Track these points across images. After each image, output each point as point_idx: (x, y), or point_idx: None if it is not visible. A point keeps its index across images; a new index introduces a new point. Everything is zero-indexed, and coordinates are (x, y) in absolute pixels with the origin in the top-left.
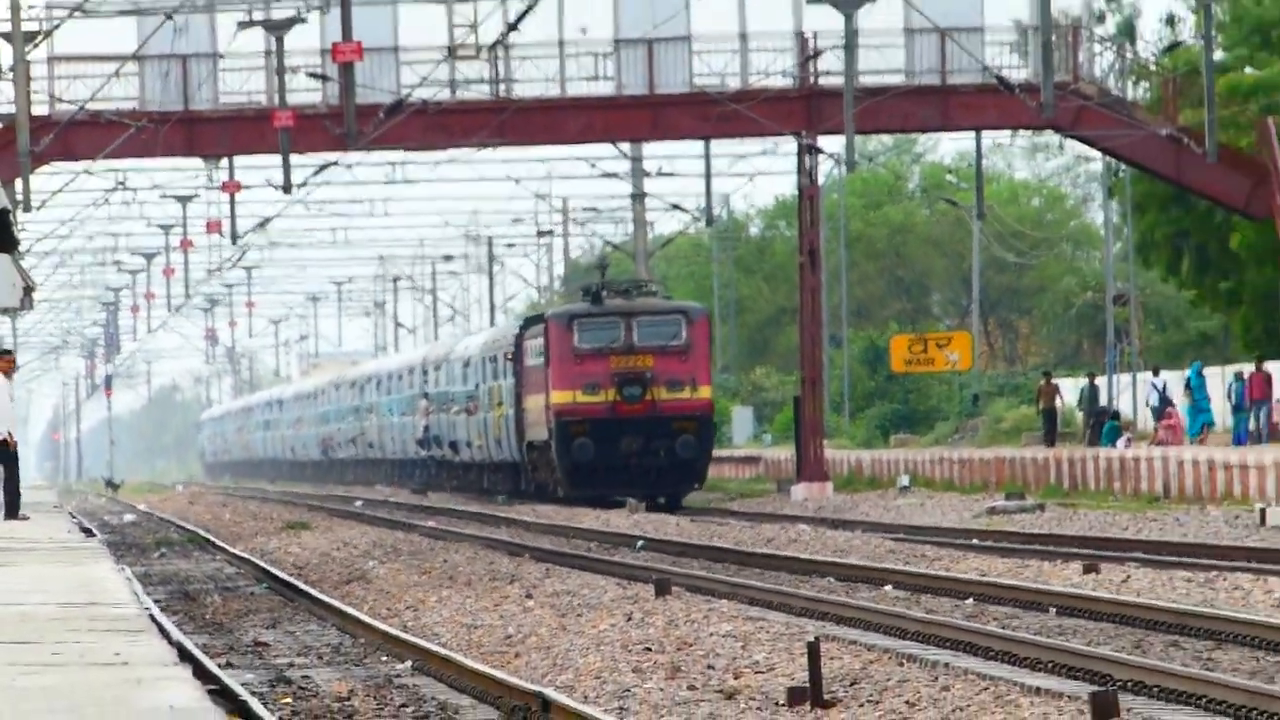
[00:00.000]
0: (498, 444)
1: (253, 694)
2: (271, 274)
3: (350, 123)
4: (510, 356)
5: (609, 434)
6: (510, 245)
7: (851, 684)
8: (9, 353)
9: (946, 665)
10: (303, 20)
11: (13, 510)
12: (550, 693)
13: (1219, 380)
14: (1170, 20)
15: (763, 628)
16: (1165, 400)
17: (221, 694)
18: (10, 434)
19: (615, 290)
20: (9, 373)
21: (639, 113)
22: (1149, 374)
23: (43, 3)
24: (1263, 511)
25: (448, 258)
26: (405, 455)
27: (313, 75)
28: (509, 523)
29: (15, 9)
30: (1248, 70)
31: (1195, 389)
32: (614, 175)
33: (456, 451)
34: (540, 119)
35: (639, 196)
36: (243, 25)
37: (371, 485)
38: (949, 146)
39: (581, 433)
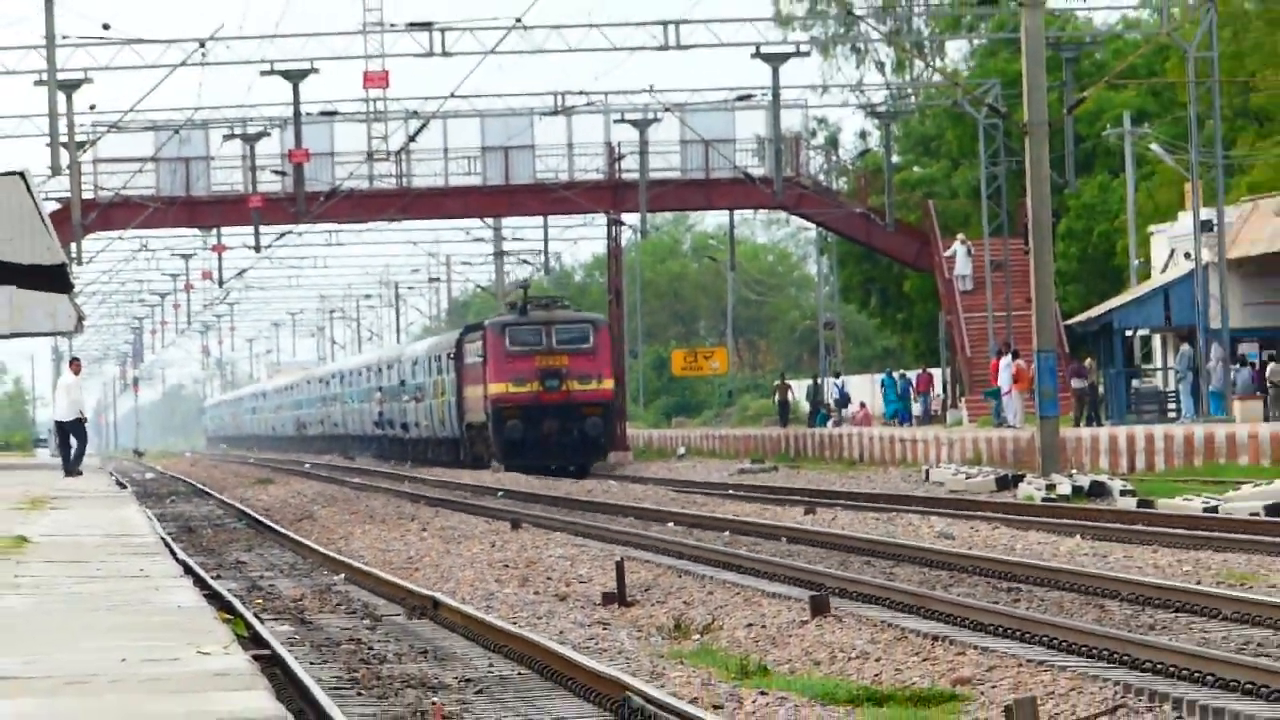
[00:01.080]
0: (441, 424)
1: (235, 596)
2: (246, 307)
3: (301, 204)
4: (452, 356)
5: (534, 417)
6: (410, 287)
7: (646, 590)
8: (77, 359)
9: (711, 578)
10: (268, 134)
11: (74, 468)
12: (439, 595)
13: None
14: (862, 134)
15: (585, 551)
16: (845, 395)
17: (212, 597)
18: (82, 412)
19: (538, 304)
20: (78, 372)
21: (499, 197)
22: (841, 377)
23: (90, 122)
24: (926, 471)
25: (367, 296)
26: (364, 433)
27: (276, 172)
28: (411, 479)
29: (70, 125)
30: (915, 169)
31: (887, 388)
32: (481, 239)
33: (406, 430)
34: (430, 202)
35: (499, 254)
36: (227, 137)
37: (336, 454)
38: (712, 220)
39: (513, 416)
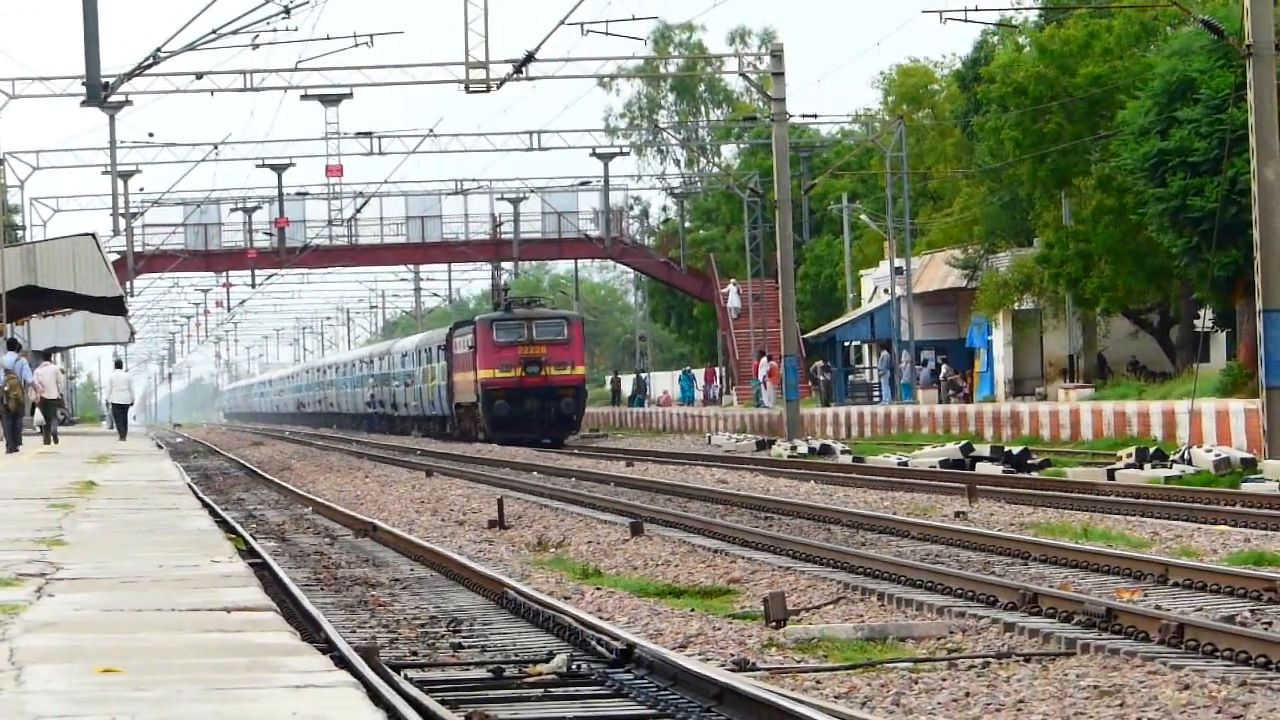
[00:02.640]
0: (430, 404)
1: (237, 522)
2: (245, 325)
3: (282, 255)
4: (443, 348)
5: (517, 397)
6: (357, 312)
7: (518, 518)
8: (121, 361)
9: (563, 510)
10: (260, 207)
11: (123, 435)
12: (377, 522)
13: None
14: (664, 208)
15: (476, 491)
16: (645, 386)
17: (222, 523)
18: (131, 398)
19: (520, 304)
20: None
21: (417, 251)
22: (649, 374)
23: (139, 199)
24: (709, 437)
25: (328, 317)
26: (356, 411)
27: (265, 233)
28: (359, 442)
29: (126, 202)
30: (701, 232)
31: (683, 381)
32: (405, 279)
33: (396, 409)
34: (371, 254)
35: (417, 289)
36: (232, 210)
37: (333, 427)
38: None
39: (499, 396)
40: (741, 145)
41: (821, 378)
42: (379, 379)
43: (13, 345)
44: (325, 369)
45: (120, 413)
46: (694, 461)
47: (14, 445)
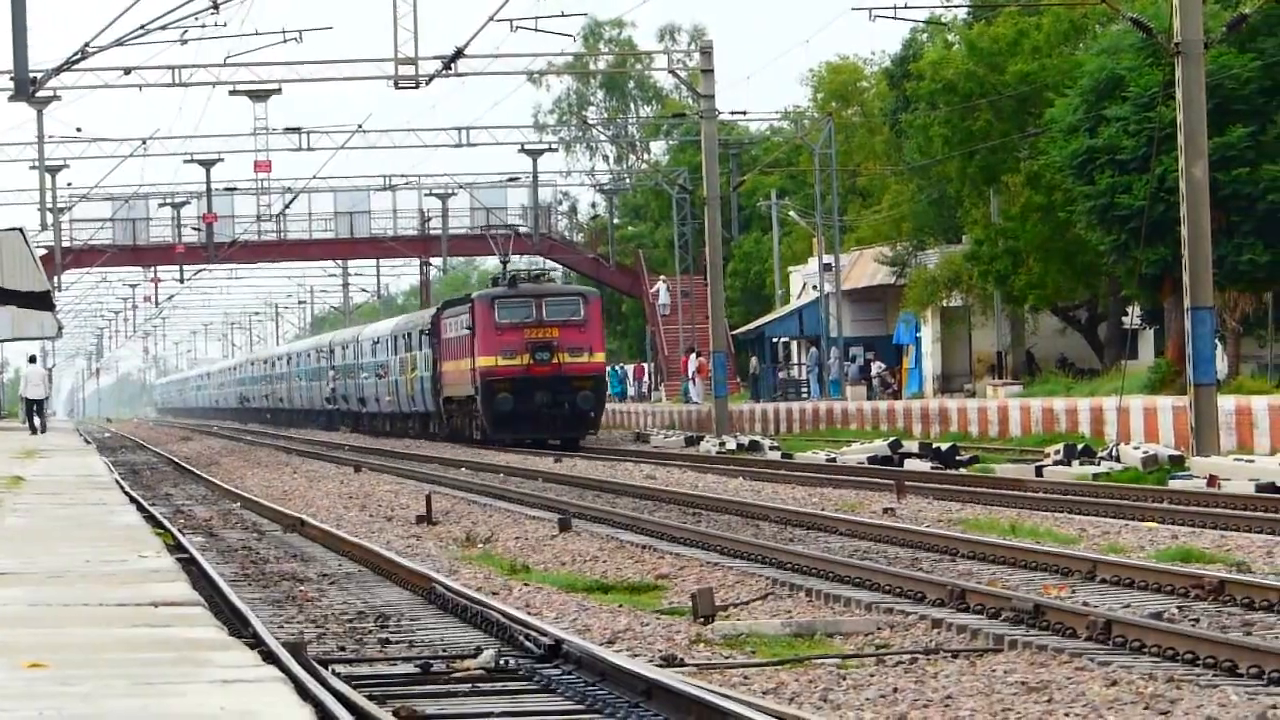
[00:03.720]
0: (411, 399)
1: (164, 518)
2: (174, 320)
3: (211, 250)
4: (426, 332)
5: (524, 390)
6: (287, 308)
7: (446, 514)
8: (35, 356)
9: (491, 505)
10: (189, 203)
11: (40, 430)
12: (305, 517)
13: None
14: (594, 204)
15: (404, 487)
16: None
17: (150, 518)
18: (46, 392)
19: (526, 278)
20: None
21: (345, 246)
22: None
23: (68, 194)
24: (638, 434)
25: (256, 313)
26: (313, 407)
27: (194, 229)
28: (286, 438)
29: (54, 197)
30: (630, 228)
31: (612, 377)
32: (334, 275)
33: (364, 405)
34: (299, 249)
35: (345, 285)
36: (161, 205)
37: (279, 425)
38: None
39: (502, 389)
40: (670, 142)
41: (758, 369)
42: (342, 370)
43: None
44: (274, 360)
45: (35, 407)
46: (623, 458)
47: None
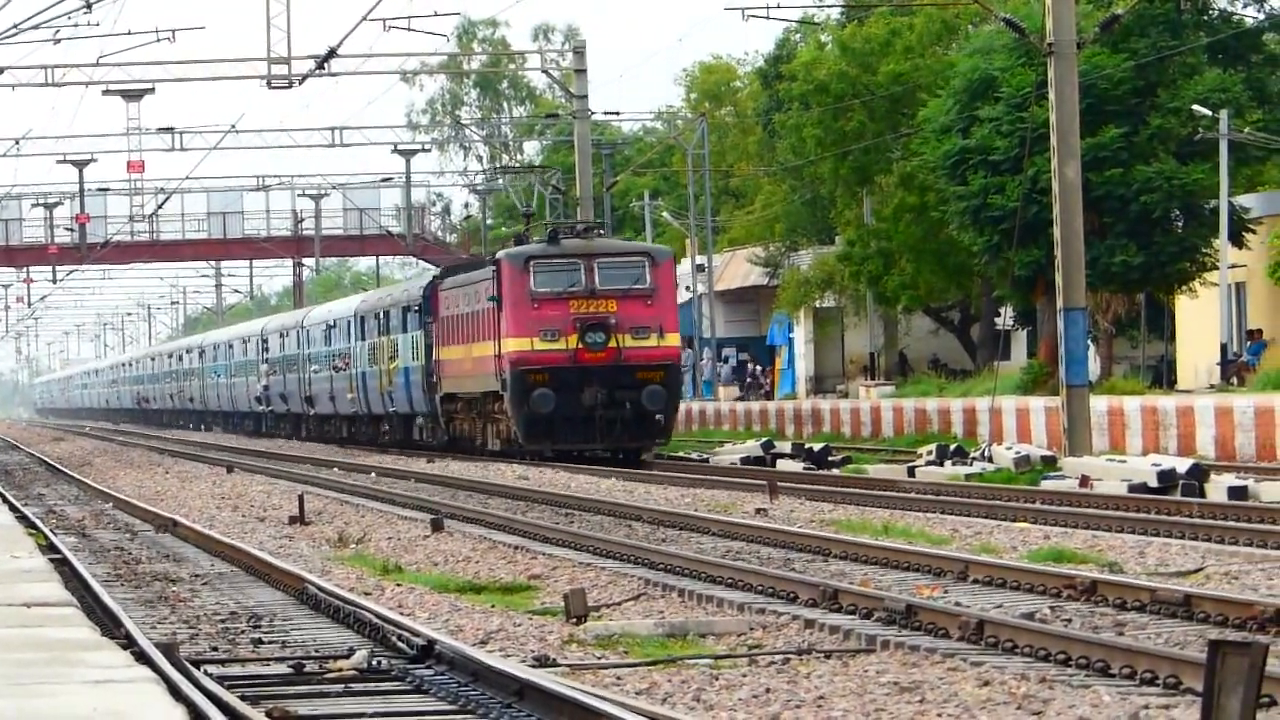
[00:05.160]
0: (385, 397)
1: (37, 518)
2: (46, 321)
3: (84, 251)
4: (417, 310)
5: (570, 384)
6: (160, 309)
7: (319, 514)
8: None
9: (363, 506)
10: (62, 203)
11: None
12: (178, 517)
13: None
14: (466, 205)
15: (276, 488)
16: None
17: (22, 518)
18: None
19: (571, 232)
20: None
21: (219, 246)
22: None
23: None
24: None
25: (129, 313)
26: (235, 409)
27: (67, 229)
28: (159, 438)
29: None
30: (504, 228)
31: None
32: (206, 275)
33: (312, 405)
34: (172, 250)
35: (218, 285)
36: (33, 205)
37: (189, 427)
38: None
39: (540, 383)
40: (544, 142)
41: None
42: (279, 363)
43: None
44: (182, 353)
45: None
46: (495, 458)
47: None
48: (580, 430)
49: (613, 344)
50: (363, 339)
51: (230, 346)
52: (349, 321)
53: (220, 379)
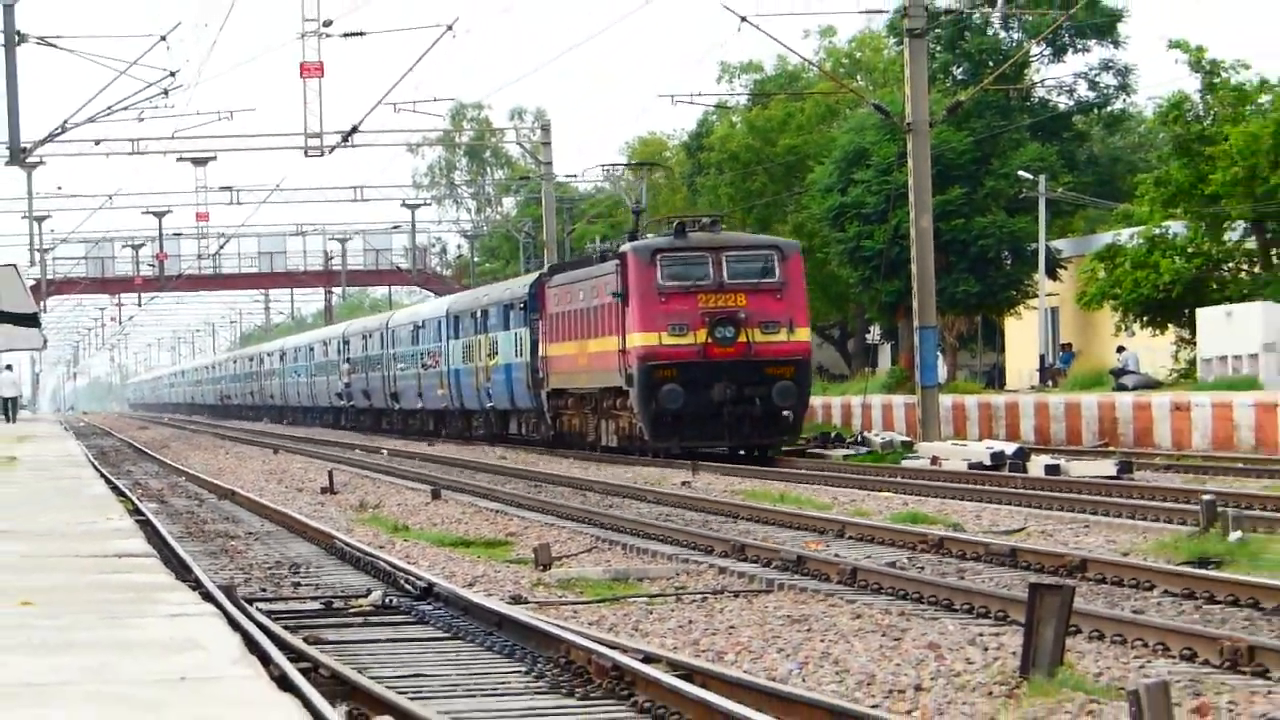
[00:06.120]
0: (484, 393)
1: (126, 489)
2: (134, 336)
3: (162, 281)
4: (524, 307)
5: (700, 379)
6: (221, 327)
7: (345, 485)
8: (10, 366)
9: (379, 479)
10: (144, 245)
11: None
12: (235, 488)
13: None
14: (459, 246)
15: (312, 465)
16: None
17: (115, 489)
18: (18, 392)
19: (696, 225)
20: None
21: (266, 279)
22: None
23: (50, 237)
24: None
25: (198, 330)
26: (315, 404)
27: (150, 265)
28: (225, 426)
29: (41, 240)
30: (488, 265)
31: None
32: (258, 300)
33: (398, 401)
34: (232, 281)
35: (267, 309)
36: (123, 246)
37: (258, 419)
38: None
39: (669, 378)
40: (518, 198)
41: None
42: (360, 363)
43: None
44: (263, 356)
45: (8, 404)
46: (478, 443)
47: None
48: (708, 427)
49: (742, 339)
50: (456, 337)
51: (311, 349)
52: (440, 321)
53: (300, 378)
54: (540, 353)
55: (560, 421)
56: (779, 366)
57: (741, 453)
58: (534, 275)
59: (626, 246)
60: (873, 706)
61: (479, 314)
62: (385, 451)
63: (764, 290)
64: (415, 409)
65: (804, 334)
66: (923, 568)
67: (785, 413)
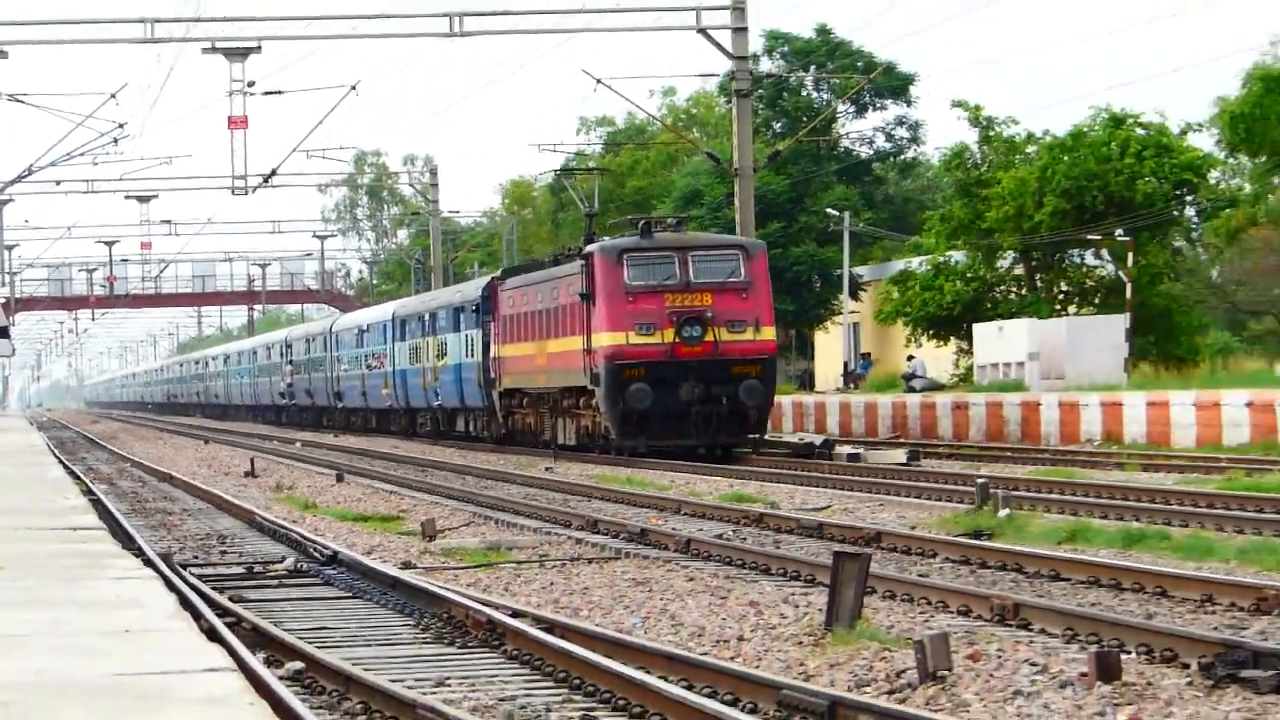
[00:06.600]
0: (431, 392)
1: (81, 472)
2: (87, 346)
3: (112, 300)
4: (475, 310)
5: (668, 378)
6: (161, 338)
7: (264, 471)
8: None
9: (292, 465)
10: (96, 269)
11: None
12: (173, 472)
13: None
14: (361, 272)
15: (236, 453)
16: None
17: (71, 473)
18: None
19: (662, 225)
20: None
21: (199, 298)
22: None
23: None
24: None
25: (141, 340)
26: (258, 403)
27: (101, 286)
28: (165, 421)
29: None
30: (384, 287)
31: None
32: (192, 316)
33: (340, 399)
34: (171, 300)
35: (199, 323)
36: (79, 270)
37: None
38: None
39: (637, 377)
40: (410, 230)
41: None
42: (304, 364)
43: None
44: (207, 359)
45: None
46: (377, 434)
47: None
48: (675, 426)
49: (710, 338)
50: (402, 340)
51: (254, 353)
52: (385, 325)
53: (244, 380)
54: (492, 354)
55: (512, 420)
56: (745, 365)
57: (702, 451)
58: (486, 279)
59: (593, 247)
60: (703, 654)
61: (427, 317)
62: (299, 443)
63: (730, 289)
64: (359, 407)
65: (769, 333)
66: (745, 539)
67: (752, 411)
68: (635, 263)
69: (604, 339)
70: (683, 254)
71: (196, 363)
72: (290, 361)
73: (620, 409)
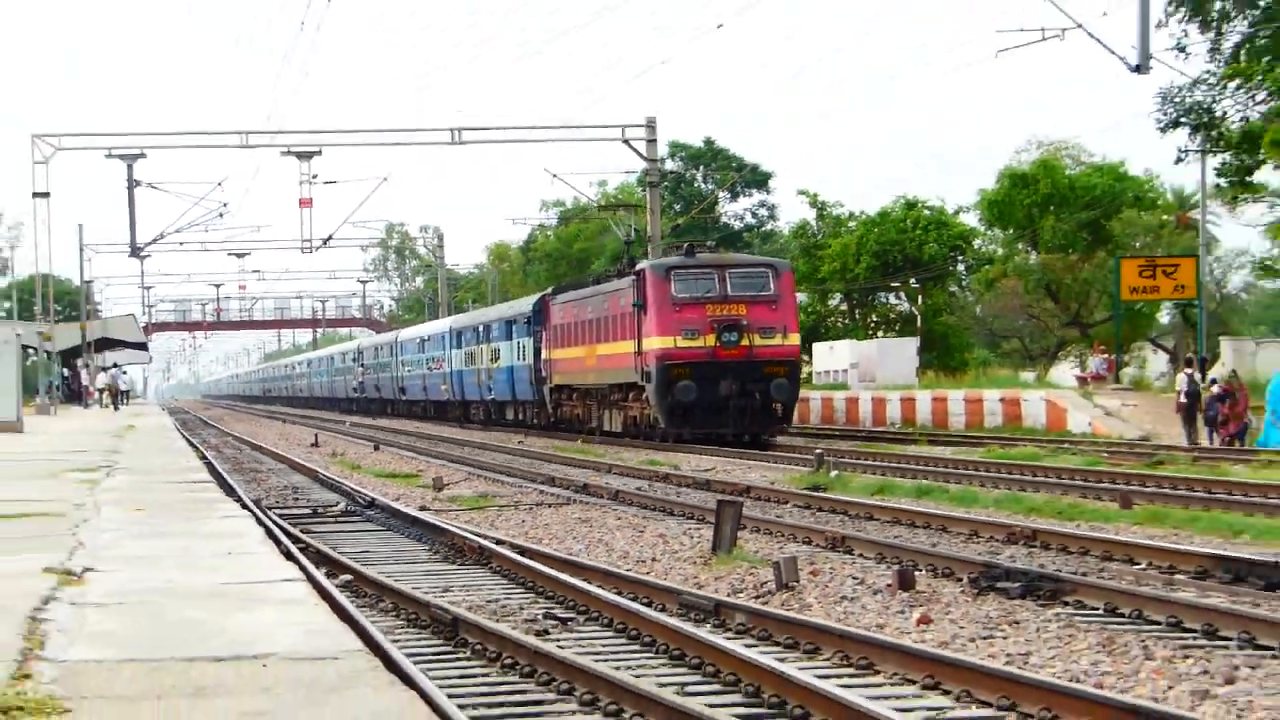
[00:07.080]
0: (484, 387)
1: (198, 444)
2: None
3: (221, 324)
4: (527, 321)
5: (709, 376)
6: (255, 350)
7: (325, 443)
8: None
9: (345, 437)
10: (208, 303)
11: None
12: (260, 443)
13: None
14: (391, 307)
15: (308, 430)
16: None
17: (191, 445)
18: (128, 387)
19: (704, 246)
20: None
21: (278, 324)
22: None
23: (155, 298)
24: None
25: (239, 351)
26: (333, 395)
27: (213, 314)
28: (256, 409)
29: (149, 299)
30: (407, 316)
31: None
32: (273, 335)
33: (404, 393)
34: (260, 324)
35: (279, 340)
36: (197, 303)
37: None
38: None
39: (684, 375)
40: (425, 278)
41: None
42: (371, 367)
43: (114, 366)
44: (295, 364)
45: (124, 395)
46: (435, 422)
47: (116, 408)
48: (715, 417)
49: (745, 342)
50: (458, 347)
51: (331, 359)
52: (443, 335)
53: (323, 379)
54: (544, 356)
55: (560, 411)
56: (775, 366)
57: (732, 437)
58: (537, 295)
59: (644, 264)
60: (627, 570)
61: (481, 329)
62: (348, 422)
63: (761, 301)
64: (419, 399)
65: (794, 339)
66: (657, 490)
67: (779, 405)
68: (681, 278)
69: (655, 342)
70: (721, 271)
71: (285, 366)
72: (362, 365)
73: (669, 402)
